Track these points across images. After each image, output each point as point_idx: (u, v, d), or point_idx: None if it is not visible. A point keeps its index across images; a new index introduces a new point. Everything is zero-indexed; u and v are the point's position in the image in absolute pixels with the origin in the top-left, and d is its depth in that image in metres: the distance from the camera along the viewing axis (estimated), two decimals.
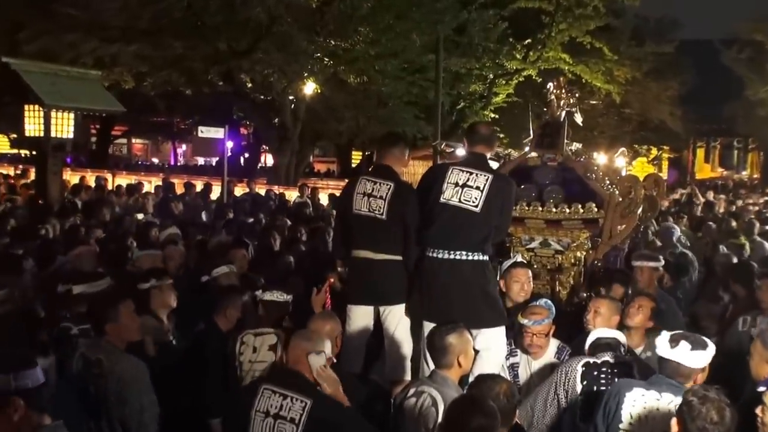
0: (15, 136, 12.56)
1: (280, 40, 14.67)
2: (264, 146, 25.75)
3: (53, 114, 10.95)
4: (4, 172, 18.48)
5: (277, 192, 14.81)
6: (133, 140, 44.20)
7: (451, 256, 4.46)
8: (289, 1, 14.65)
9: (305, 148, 21.05)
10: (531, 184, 5.91)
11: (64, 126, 11.13)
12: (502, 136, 21.57)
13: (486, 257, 4.54)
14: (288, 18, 14.52)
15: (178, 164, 38.81)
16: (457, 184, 4.51)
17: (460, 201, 4.48)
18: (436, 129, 16.45)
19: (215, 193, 13.95)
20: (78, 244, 6.75)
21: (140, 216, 9.86)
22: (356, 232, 4.80)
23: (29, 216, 9.02)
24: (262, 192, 15.02)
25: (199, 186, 14.51)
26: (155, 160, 42.57)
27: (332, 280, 5.12)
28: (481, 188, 4.47)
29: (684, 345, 3.33)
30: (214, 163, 34.63)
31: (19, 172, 17.49)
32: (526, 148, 6.47)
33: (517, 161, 6.42)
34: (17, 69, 11.10)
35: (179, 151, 42.86)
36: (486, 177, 4.51)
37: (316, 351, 3.45)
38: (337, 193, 13.94)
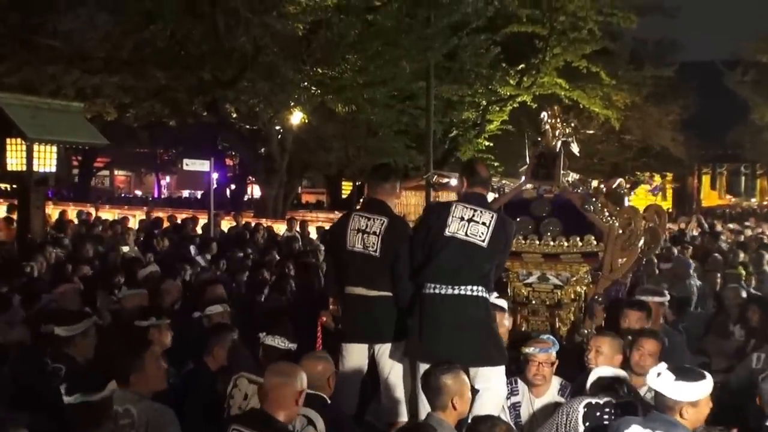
0: None
1: (266, 70, 14.79)
2: (250, 177, 25.88)
3: (35, 147, 11.00)
4: None
5: (265, 225, 14.83)
6: (116, 172, 44.33)
7: (455, 291, 4.49)
8: (275, 30, 14.81)
9: (293, 180, 21.10)
10: (527, 216, 5.98)
11: (46, 159, 11.19)
12: (496, 164, 21.78)
13: (488, 294, 4.59)
14: (274, 48, 14.67)
15: (162, 197, 38.89)
16: (462, 219, 4.56)
17: (466, 234, 4.53)
18: (428, 158, 16.50)
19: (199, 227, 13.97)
20: (63, 281, 6.80)
21: (126, 249, 9.89)
22: (350, 269, 4.86)
23: (17, 251, 9.03)
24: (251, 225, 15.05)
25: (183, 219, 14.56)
26: (138, 193, 42.64)
27: (324, 318, 5.15)
28: (487, 224, 4.54)
29: (667, 375, 3.32)
30: (199, 195, 34.90)
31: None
32: (522, 179, 6.53)
33: (512, 194, 6.50)
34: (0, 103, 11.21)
35: (163, 183, 42.95)
36: (491, 214, 4.60)
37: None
38: (327, 226, 14.04)
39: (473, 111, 21.91)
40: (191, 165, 13.50)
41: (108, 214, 18.38)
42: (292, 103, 16.35)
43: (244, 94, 15.41)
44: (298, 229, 13.55)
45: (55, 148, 11.28)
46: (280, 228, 15.25)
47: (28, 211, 11.39)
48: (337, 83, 15.79)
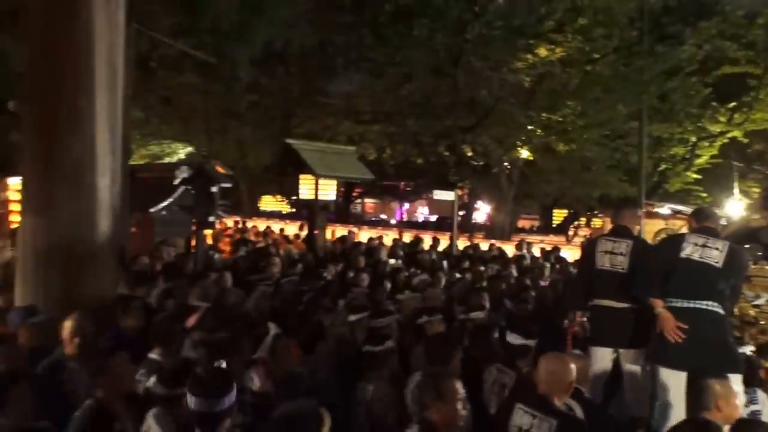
0: (294, 198, 14.00)
1: (500, 117, 15.12)
2: (476, 204, 26.38)
3: (321, 181, 12.19)
4: (279, 226, 20.29)
5: (496, 245, 15.05)
6: (366, 200, 46.81)
7: (692, 305, 4.45)
8: (506, 82, 15.12)
9: (517, 207, 21.21)
10: (756, 243, 5.71)
11: (328, 190, 12.35)
12: (704, 195, 20.35)
13: (723, 311, 4.49)
14: (510, 99, 14.98)
15: (403, 220, 40.56)
16: (696, 245, 4.52)
17: (701, 257, 4.48)
18: (639, 191, 15.92)
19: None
20: (353, 287, 7.47)
21: (392, 261, 10.51)
22: (599, 285, 4.99)
23: (313, 262, 9.95)
24: (483, 245, 15.34)
25: (427, 239, 15.15)
26: (383, 216, 44.78)
27: (576, 328, 5.29)
28: (720, 249, 4.47)
29: None
30: (432, 219, 36.08)
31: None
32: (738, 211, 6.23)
33: (740, 223, 6.23)
34: (295, 147, 12.52)
35: (402, 209, 44.81)
36: (723, 243, 4.52)
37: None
38: (547, 248, 14.02)
39: (682, 147, 20.71)
40: (439, 195, 14.04)
41: (366, 233, 19.58)
42: (520, 144, 16.53)
43: (480, 136, 15.85)
44: (527, 248, 13.62)
45: (335, 182, 12.40)
46: (507, 248, 15.41)
47: (314, 230, 12.62)
48: (560, 126, 15.74)
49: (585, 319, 5.28)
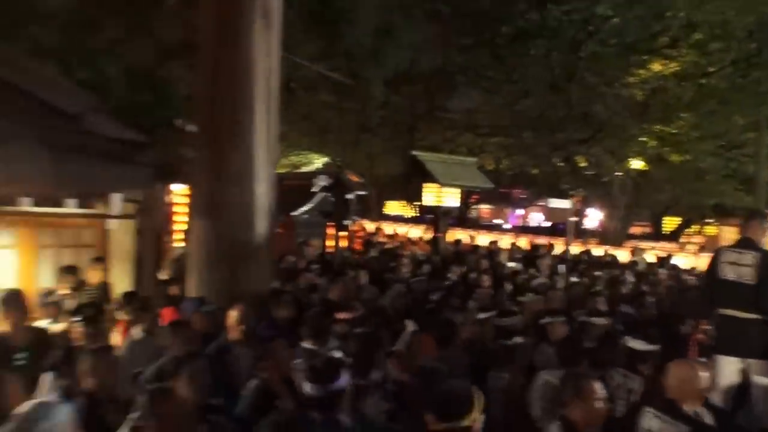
0: (418, 204, 14.10)
1: (614, 129, 14.44)
2: (586, 211, 25.42)
3: (444, 189, 12.17)
4: (403, 229, 20.45)
5: (609, 251, 14.37)
6: (481, 206, 46.31)
7: None
8: (620, 96, 14.43)
9: (629, 215, 20.17)
10: None
11: (451, 198, 12.31)
12: None
13: None
14: (624, 112, 14.28)
15: (517, 225, 39.83)
16: None
17: None
18: (758, 200, 14.66)
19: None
20: (475, 287, 7.36)
21: (511, 264, 10.30)
22: (724, 295, 4.61)
23: (440, 263, 9.92)
24: (596, 251, 14.69)
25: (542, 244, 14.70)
26: (497, 221, 44.14)
27: (701, 336, 4.92)
28: None
29: None
30: (539, 224, 35.15)
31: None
32: None
33: None
34: (420, 159, 12.59)
35: (515, 214, 43.92)
36: None
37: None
38: (661, 254, 13.21)
39: None
40: (555, 203, 13.64)
41: (484, 236, 19.29)
42: (632, 155, 15.71)
43: (593, 147, 15.22)
44: (640, 255, 12.91)
45: (457, 190, 12.33)
46: (619, 253, 14.66)
47: (438, 234, 12.63)
48: (674, 138, 14.80)
49: (709, 327, 4.90)
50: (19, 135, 5.69)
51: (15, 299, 4.60)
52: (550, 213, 14.49)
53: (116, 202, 6.53)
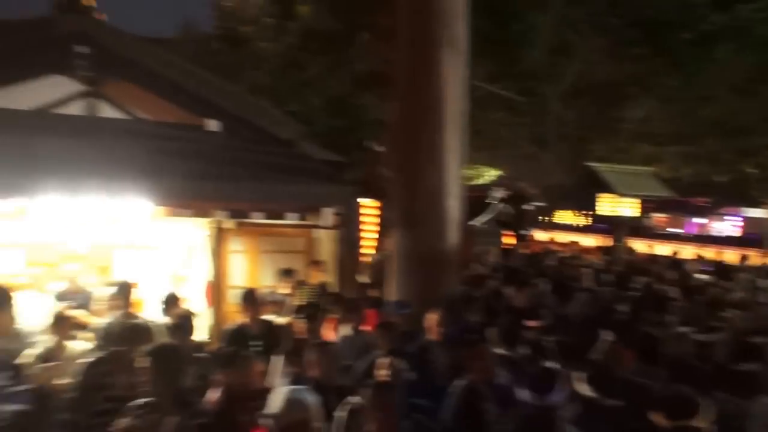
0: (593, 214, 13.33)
1: None
2: None
3: (621, 199, 11.42)
4: (575, 238, 19.42)
5: None
6: (653, 214, 42.70)
7: None
8: None
9: None
10: None
11: (627, 208, 11.52)
12: None
13: None
14: None
15: (697, 235, 35.98)
16: None
17: None
18: None
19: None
20: (665, 299, 6.71)
21: (700, 276, 9.31)
22: None
23: (623, 272, 9.27)
24: None
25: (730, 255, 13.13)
26: (672, 230, 40.32)
27: None
28: None
29: None
30: (723, 234, 31.27)
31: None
32: None
33: None
34: (595, 169, 11.95)
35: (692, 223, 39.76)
36: None
37: None
38: None
39: None
40: (750, 212, 12.15)
41: (662, 246, 17.65)
42: None
43: None
44: None
45: (637, 201, 11.48)
46: None
47: (616, 244, 11.85)
48: None
49: None
50: (244, 160, 6.35)
51: (251, 296, 5.08)
52: (746, 222, 12.77)
53: (327, 214, 6.97)
